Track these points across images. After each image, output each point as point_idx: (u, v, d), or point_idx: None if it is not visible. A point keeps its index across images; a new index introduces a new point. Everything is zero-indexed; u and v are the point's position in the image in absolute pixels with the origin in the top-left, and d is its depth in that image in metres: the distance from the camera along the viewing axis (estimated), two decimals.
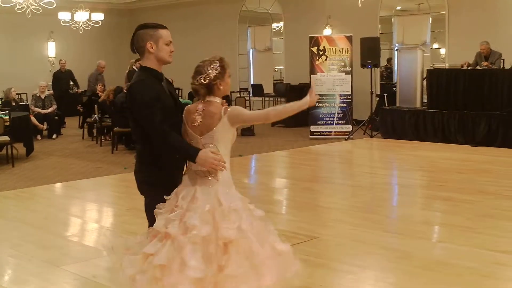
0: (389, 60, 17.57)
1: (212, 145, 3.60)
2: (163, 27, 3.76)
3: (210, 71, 3.63)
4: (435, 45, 17.00)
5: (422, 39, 16.26)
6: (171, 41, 3.74)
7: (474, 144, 12.01)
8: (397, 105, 14.01)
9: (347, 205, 7.79)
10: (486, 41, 12.95)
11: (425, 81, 13.55)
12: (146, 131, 3.61)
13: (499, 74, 12.58)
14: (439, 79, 13.19)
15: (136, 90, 3.64)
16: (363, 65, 14.21)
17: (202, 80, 3.62)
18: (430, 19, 16.31)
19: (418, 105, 13.60)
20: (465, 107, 12.60)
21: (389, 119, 13.72)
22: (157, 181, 3.68)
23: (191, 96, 15.83)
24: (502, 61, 13.06)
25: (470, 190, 8.14)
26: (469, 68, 13.07)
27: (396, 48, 16.15)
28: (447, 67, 13.68)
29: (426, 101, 13.56)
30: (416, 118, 13.23)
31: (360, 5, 14.02)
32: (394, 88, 14.68)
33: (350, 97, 14.13)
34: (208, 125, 3.62)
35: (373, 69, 14.36)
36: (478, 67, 13.00)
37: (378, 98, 15.37)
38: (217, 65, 3.65)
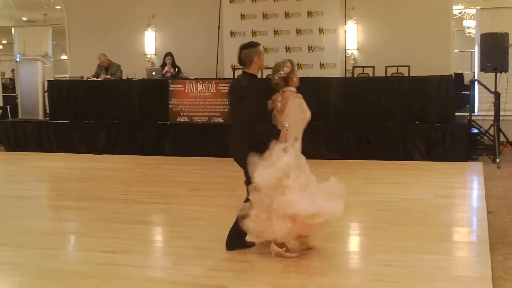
0: (14, 71, 17.19)
1: (285, 122, 5.20)
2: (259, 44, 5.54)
3: (286, 68, 5.28)
4: (64, 57, 17.16)
5: (44, 50, 16.28)
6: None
7: (96, 153, 12.46)
8: (20, 117, 13.80)
9: None
10: (103, 54, 13.52)
11: (47, 92, 13.59)
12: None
13: (117, 84, 13.23)
14: (60, 90, 13.35)
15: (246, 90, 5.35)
16: None
17: (282, 74, 5.27)
18: (51, 30, 16.41)
19: (40, 116, 13.59)
20: (86, 117, 12.98)
21: (12, 131, 13.43)
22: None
23: None
24: (121, 71, 13.75)
25: (88, 197, 8.45)
26: (90, 79, 13.47)
27: (16, 59, 15.88)
28: (67, 78, 13.93)
29: (49, 112, 13.62)
30: (39, 129, 13.20)
31: None
32: (17, 100, 14.43)
33: None
34: (284, 107, 5.25)
35: None
36: (99, 78, 13.49)
37: (1, 111, 14.94)
38: (289, 63, 5.29)
